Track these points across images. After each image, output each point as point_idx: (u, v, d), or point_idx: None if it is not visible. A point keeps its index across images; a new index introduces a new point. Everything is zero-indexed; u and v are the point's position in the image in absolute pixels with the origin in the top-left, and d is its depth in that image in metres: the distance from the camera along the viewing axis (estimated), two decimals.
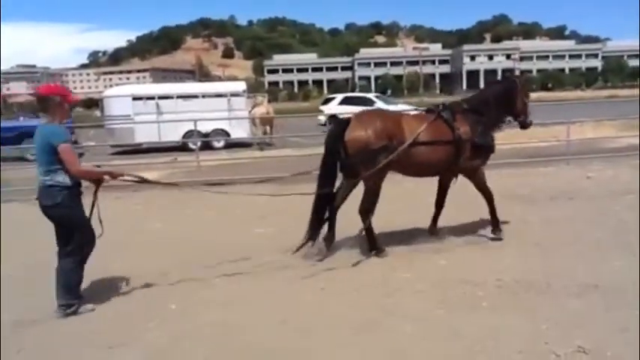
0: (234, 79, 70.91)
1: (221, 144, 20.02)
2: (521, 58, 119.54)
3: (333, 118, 21.59)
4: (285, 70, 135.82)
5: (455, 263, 5.50)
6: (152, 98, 19.90)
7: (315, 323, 4.22)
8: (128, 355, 3.87)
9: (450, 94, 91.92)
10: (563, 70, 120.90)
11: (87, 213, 4.78)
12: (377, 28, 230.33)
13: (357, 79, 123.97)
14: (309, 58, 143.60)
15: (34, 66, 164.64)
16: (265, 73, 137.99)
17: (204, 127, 18.55)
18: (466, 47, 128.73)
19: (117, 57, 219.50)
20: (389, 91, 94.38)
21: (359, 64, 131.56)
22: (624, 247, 5.70)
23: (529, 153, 11.88)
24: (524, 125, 6.37)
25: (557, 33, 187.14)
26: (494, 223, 6.30)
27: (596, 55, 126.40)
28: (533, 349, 3.63)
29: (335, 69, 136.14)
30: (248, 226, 7.33)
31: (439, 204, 6.46)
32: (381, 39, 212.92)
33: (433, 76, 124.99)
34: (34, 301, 4.80)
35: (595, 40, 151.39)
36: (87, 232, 4.62)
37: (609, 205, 7.58)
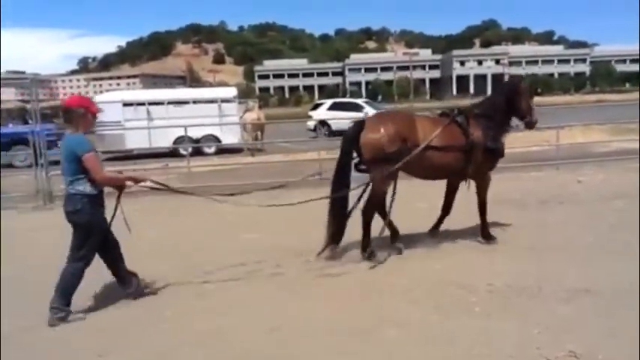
0: (225, 84, 70.79)
1: (212, 150, 19.99)
2: (511, 63, 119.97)
3: (322, 123, 21.64)
4: (275, 76, 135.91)
5: (448, 268, 5.50)
6: (142, 104, 19.88)
7: (308, 330, 4.20)
8: None
9: (440, 100, 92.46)
10: (552, 75, 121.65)
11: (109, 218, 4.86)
12: (367, 33, 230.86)
13: (347, 85, 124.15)
14: (300, 63, 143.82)
15: (23, 72, 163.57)
16: (256, 79, 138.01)
17: (195, 132, 18.51)
18: (456, 52, 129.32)
19: (107, 63, 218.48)
20: (379, 97, 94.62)
21: (349, 69, 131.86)
22: (615, 251, 5.73)
23: (519, 157, 11.92)
24: (530, 125, 6.48)
25: (546, 38, 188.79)
26: (485, 230, 6.35)
27: (584, 60, 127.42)
28: (525, 353, 3.64)
29: (326, 74, 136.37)
30: (240, 232, 7.32)
31: (446, 207, 6.53)
32: (371, 44, 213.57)
33: (423, 81, 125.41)
34: (24, 309, 4.76)
35: (583, 45, 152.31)
36: (102, 239, 4.74)
37: (600, 210, 7.63)
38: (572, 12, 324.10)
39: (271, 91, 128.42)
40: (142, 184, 5.07)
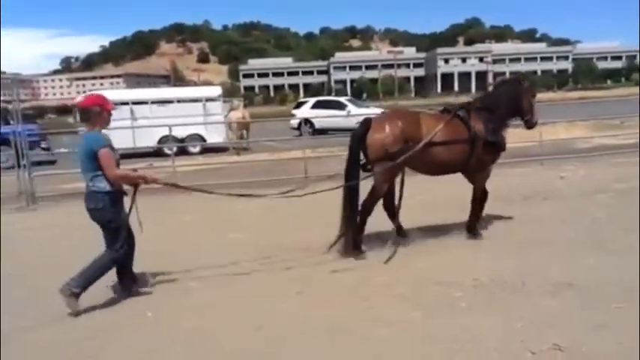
0: (210, 83, 70.39)
1: (197, 149, 19.90)
2: (494, 61, 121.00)
3: (305, 121, 21.65)
4: (260, 75, 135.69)
5: (433, 264, 5.52)
6: (126, 104, 19.68)
7: (291, 329, 4.20)
8: None
9: (425, 97, 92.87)
10: (535, 72, 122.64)
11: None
12: (352, 32, 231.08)
13: (332, 83, 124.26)
14: (285, 62, 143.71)
15: (4, 72, 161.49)
16: (241, 78, 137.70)
17: (180, 132, 18.40)
18: (440, 50, 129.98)
19: (89, 62, 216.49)
20: (364, 95, 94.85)
21: (334, 67, 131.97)
22: (598, 245, 5.79)
23: (504, 154, 11.97)
24: (530, 125, 6.58)
25: (529, 36, 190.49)
26: (472, 224, 6.40)
27: (566, 58, 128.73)
28: (510, 347, 3.67)
29: (311, 73, 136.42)
30: (224, 231, 7.30)
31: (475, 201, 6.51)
32: (355, 43, 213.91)
33: (408, 79, 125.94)
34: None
35: (565, 42, 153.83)
36: (128, 233, 4.88)
37: (582, 205, 7.72)
38: (555, 10, 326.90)
39: (256, 89, 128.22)
40: (153, 184, 5.12)
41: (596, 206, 7.57)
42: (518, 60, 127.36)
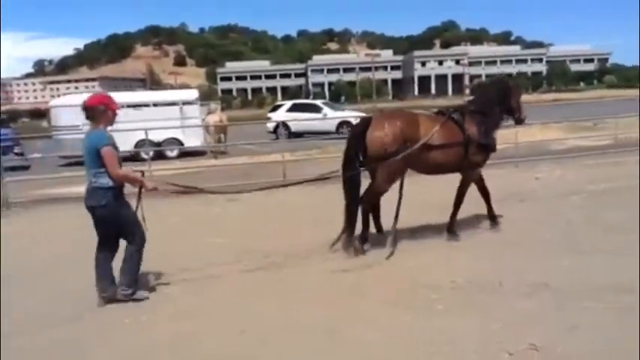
0: (187, 87, 69.94)
1: (174, 153, 19.70)
2: (470, 64, 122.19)
3: (282, 124, 21.65)
4: (238, 78, 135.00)
5: (411, 267, 5.56)
6: None
7: (275, 332, 4.19)
8: None
9: (402, 100, 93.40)
10: (510, 74, 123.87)
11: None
12: (329, 35, 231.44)
13: (310, 86, 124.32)
14: (262, 65, 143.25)
15: None
16: (218, 81, 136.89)
17: (157, 136, 18.21)
18: (417, 53, 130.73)
19: (64, 66, 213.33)
20: (342, 98, 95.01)
21: (312, 70, 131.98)
22: (572, 246, 5.89)
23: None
24: (520, 121, 6.86)
25: (504, 39, 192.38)
26: (452, 225, 6.52)
27: (540, 60, 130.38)
28: (487, 348, 3.71)
29: (288, 76, 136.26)
30: (206, 234, 7.25)
31: (484, 196, 6.77)
32: (333, 46, 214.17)
33: (385, 81, 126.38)
34: None
35: (539, 45, 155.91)
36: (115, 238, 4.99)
37: (557, 206, 7.83)
38: (529, 13, 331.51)
39: (234, 93, 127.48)
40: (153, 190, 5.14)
41: (571, 207, 7.69)
42: (494, 63, 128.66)
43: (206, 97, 53.11)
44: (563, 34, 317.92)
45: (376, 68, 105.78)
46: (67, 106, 19.80)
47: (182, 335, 4.21)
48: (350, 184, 6.02)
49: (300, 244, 6.32)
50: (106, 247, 5.00)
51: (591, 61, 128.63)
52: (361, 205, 6.12)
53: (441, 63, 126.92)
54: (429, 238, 6.48)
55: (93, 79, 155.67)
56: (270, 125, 24.65)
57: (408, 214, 6.54)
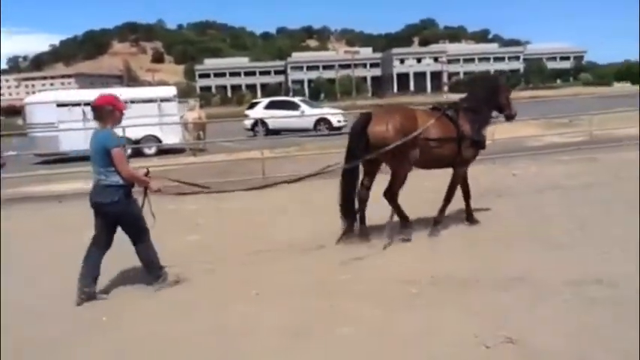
0: (165, 84, 69.21)
1: (152, 151, 19.54)
2: (449, 61, 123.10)
3: (260, 122, 21.59)
4: (217, 75, 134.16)
5: (391, 262, 5.59)
6: (78, 105, 19.11)
7: (250, 330, 4.18)
8: None
9: (381, 97, 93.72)
10: (488, 72, 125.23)
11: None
12: (308, 32, 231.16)
13: (290, 83, 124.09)
14: (241, 62, 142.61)
15: None
16: (197, 78, 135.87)
17: (134, 133, 18.02)
18: (395, 51, 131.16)
19: (39, 62, 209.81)
20: (322, 95, 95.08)
21: (292, 67, 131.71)
22: (548, 240, 5.97)
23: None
24: (510, 117, 7.03)
25: (482, 37, 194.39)
26: (440, 218, 6.65)
27: (518, 58, 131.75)
28: (465, 341, 3.75)
29: (268, 73, 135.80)
30: (181, 233, 7.19)
31: (465, 193, 6.97)
32: (313, 43, 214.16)
33: (365, 79, 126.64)
34: None
35: (516, 43, 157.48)
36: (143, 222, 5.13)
37: (534, 201, 7.94)
38: (506, 11, 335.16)
39: (213, 90, 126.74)
40: (157, 192, 5.26)
41: (547, 203, 7.80)
42: (472, 60, 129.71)
43: (184, 94, 52.79)
44: (540, 33, 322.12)
45: (355, 65, 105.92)
46: (42, 104, 19.54)
47: (154, 335, 4.18)
48: (349, 178, 6.22)
49: (273, 243, 6.33)
50: (100, 242, 5.05)
51: (567, 58, 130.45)
52: (390, 202, 6.26)
53: (419, 60, 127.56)
54: (413, 232, 6.51)
55: (69, 76, 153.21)
56: (248, 123, 24.56)
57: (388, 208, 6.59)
